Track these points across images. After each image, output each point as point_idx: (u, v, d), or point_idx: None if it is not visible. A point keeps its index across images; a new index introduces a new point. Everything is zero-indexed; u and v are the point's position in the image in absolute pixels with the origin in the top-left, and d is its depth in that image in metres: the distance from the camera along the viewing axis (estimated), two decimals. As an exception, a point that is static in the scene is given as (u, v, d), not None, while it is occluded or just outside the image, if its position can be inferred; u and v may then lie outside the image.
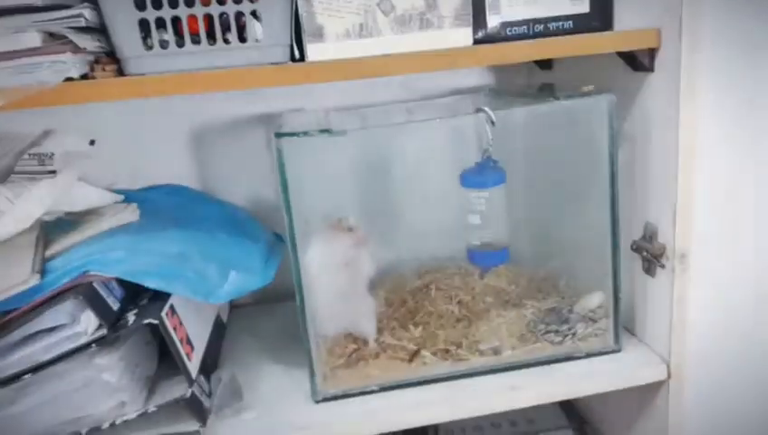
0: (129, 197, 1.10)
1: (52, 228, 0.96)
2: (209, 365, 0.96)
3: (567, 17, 0.91)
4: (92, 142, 1.15)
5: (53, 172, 1.07)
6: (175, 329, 0.85)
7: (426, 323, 1.01)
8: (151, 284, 0.82)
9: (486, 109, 0.83)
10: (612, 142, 0.86)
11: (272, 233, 1.18)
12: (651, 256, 0.90)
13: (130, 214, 1.01)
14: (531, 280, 1.10)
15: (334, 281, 0.92)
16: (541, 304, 1.01)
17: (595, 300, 0.96)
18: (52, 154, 1.10)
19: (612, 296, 0.92)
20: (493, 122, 0.84)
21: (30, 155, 1.10)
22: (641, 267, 0.93)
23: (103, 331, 0.80)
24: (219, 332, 1.07)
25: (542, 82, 1.17)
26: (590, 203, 0.94)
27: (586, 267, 1.01)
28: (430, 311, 1.04)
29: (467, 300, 1.06)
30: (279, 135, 0.81)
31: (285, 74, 0.80)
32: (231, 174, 1.25)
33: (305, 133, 0.81)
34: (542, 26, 0.91)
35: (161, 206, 1.11)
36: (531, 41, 0.87)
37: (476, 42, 0.89)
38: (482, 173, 0.87)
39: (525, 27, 0.91)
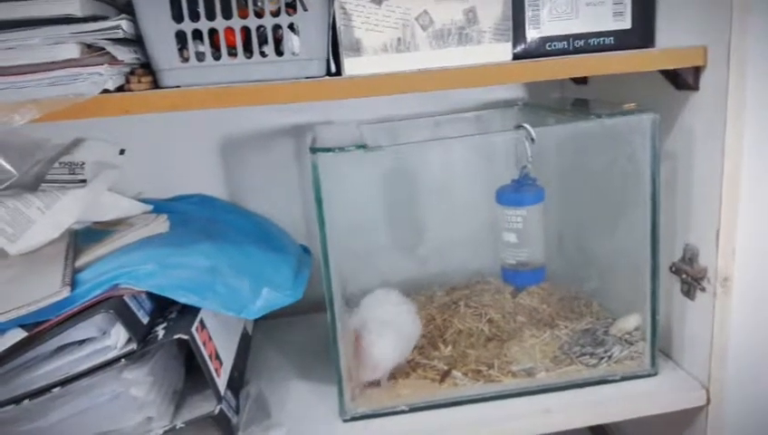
0: (157, 207, 1.09)
1: (81, 237, 0.96)
2: (236, 380, 0.94)
3: (608, 33, 0.89)
4: (122, 152, 1.15)
5: (84, 181, 1.07)
6: (204, 344, 0.83)
7: (455, 341, 1.00)
8: (183, 298, 0.81)
9: (527, 126, 0.82)
10: (655, 162, 0.84)
11: (299, 245, 1.17)
12: (691, 278, 0.87)
13: (160, 225, 1.00)
14: (562, 299, 1.08)
15: None
16: (575, 325, 0.99)
17: (632, 322, 0.94)
18: (83, 163, 1.10)
19: (650, 319, 0.90)
20: (533, 139, 0.82)
21: (61, 163, 1.10)
22: (680, 290, 0.91)
23: (133, 345, 0.78)
24: (245, 345, 1.05)
25: (575, 97, 1.15)
26: (629, 223, 0.92)
27: (622, 288, 0.99)
28: (459, 329, 1.03)
29: (498, 318, 1.04)
30: (315, 150, 0.80)
31: (323, 89, 0.79)
32: (258, 185, 1.24)
33: (341, 149, 0.80)
34: (582, 42, 0.89)
35: (190, 217, 1.10)
36: (572, 57, 0.85)
37: (515, 57, 0.87)
38: (519, 191, 0.85)
39: (565, 43, 0.89)
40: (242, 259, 0.93)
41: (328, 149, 0.80)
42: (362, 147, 0.80)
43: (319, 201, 0.81)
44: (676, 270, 0.90)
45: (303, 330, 1.17)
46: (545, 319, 1.03)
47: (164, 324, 0.84)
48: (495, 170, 1.12)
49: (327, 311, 0.85)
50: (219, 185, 1.24)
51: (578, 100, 1.10)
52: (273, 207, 1.24)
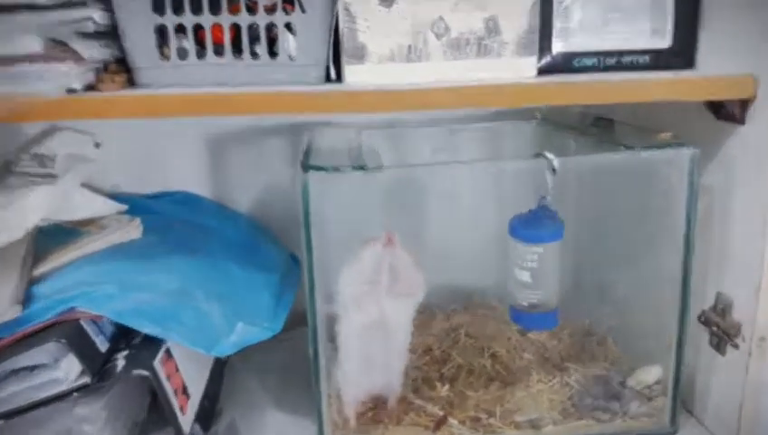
0: (135, 205, 1.01)
1: (46, 237, 0.88)
2: (207, 409, 0.86)
3: (644, 52, 0.80)
4: (98, 145, 1.06)
5: (54, 176, 0.98)
6: (169, 377, 0.74)
7: (454, 377, 0.91)
8: (144, 328, 0.72)
9: (548, 154, 0.72)
10: (691, 202, 0.74)
11: (288, 255, 1.08)
12: (722, 332, 0.78)
13: (133, 230, 0.93)
14: (573, 335, 0.99)
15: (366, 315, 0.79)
16: (587, 370, 0.90)
17: (653, 374, 0.84)
18: (55, 156, 1.01)
19: (673, 373, 0.80)
20: (554, 170, 0.72)
21: (31, 155, 1.01)
22: (708, 341, 0.82)
23: (86, 379, 0.70)
24: (220, 368, 0.96)
25: (597, 113, 1.05)
26: (655, 262, 0.83)
27: (641, 332, 0.90)
28: (459, 363, 0.93)
29: (502, 354, 0.95)
30: (307, 167, 0.71)
31: (319, 102, 0.69)
32: (248, 183, 1.15)
33: (336, 169, 0.70)
34: (614, 60, 0.80)
35: (168, 220, 1.01)
36: (605, 81, 0.74)
37: (539, 72, 0.78)
38: (537, 225, 0.75)
39: (596, 60, 0.80)
40: (217, 278, 0.84)
41: (321, 168, 0.70)
42: (360, 168, 0.70)
43: (307, 225, 0.72)
44: (705, 320, 0.81)
45: (287, 347, 1.07)
46: (554, 358, 0.94)
47: (126, 352, 0.76)
48: (504, 186, 1.03)
49: (309, 346, 0.76)
50: (205, 181, 1.15)
51: (600, 119, 1.00)
52: (263, 209, 1.15)
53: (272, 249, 1.06)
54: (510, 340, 0.98)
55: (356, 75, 0.74)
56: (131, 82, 0.74)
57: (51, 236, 0.87)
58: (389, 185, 0.99)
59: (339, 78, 0.76)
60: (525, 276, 0.76)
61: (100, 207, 0.98)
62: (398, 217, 1.08)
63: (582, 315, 1.01)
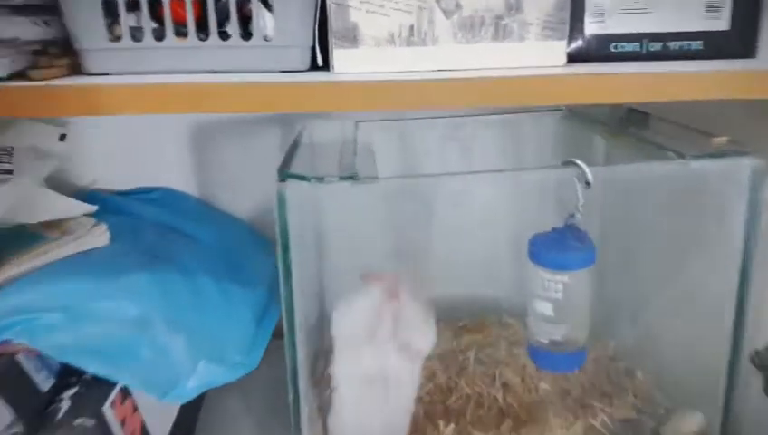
0: (107, 204, 0.91)
1: (5, 239, 0.77)
2: (178, 445, 0.74)
3: (696, 35, 0.67)
4: (63, 137, 0.95)
5: (9, 172, 0.88)
6: (124, 422, 0.62)
7: (461, 410, 0.79)
8: (90, 368, 0.60)
9: (582, 164, 0.59)
10: (752, 221, 0.61)
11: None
12: (781, 377, 0.65)
13: (98, 237, 0.81)
14: (597, 360, 0.86)
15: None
16: (614, 410, 0.77)
17: (692, 422, 0.71)
18: (12, 149, 0.92)
19: (720, 426, 0.68)
20: (588, 183, 0.59)
21: (-16, 149, 0.90)
22: (762, 387, 0.69)
23: (18, 428, 0.58)
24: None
25: (629, 107, 0.92)
26: (699, 289, 0.70)
27: (678, 370, 0.77)
28: (467, 393, 0.82)
29: (515, 383, 0.83)
30: (285, 176, 0.59)
31: (304, 97, 0.56)
32: (235, 179, 1.03)
33: (320, 179, 0.58)
34: (659, 45, 0.67)
35: (141, 224, 0.90)
36: (652, 71, 0.60)
37: (569, 59, 0.65)
38: (563, 248, 0.62)
39: (637, 44, 0.67)
40: (188, 299, 0.72)
41: (301, 177, 0.58)
42: (349, 177, 0.58)
43: (285, 244, 0.60)
44: (759, 362, 0.68)
45: (272, 362, 0.96)
46: (575, 391, 0.81)
47: (74, 389, 0.64)
48: (522, 190, 0.91)
49: (289, 388, 0.64)
50: (190, 176, 1.03)
51: (633, 112, 0.87)
52: (251, 207, 1.04)
53: (258, 256, 0.94)
54: (525, 367, 0.86)
55: (346, 62, 0.61)
56: (76, 70, 0.61)
57: (10, 240, 0.77)
58: (389, 189, 0.87)
59: (326, 65, 0.63)
60: (547, 309, 0.63)
61: (64, 208, 0.87)
62: (400, 222, 0.96)
63: (606, 335, 0.89)
